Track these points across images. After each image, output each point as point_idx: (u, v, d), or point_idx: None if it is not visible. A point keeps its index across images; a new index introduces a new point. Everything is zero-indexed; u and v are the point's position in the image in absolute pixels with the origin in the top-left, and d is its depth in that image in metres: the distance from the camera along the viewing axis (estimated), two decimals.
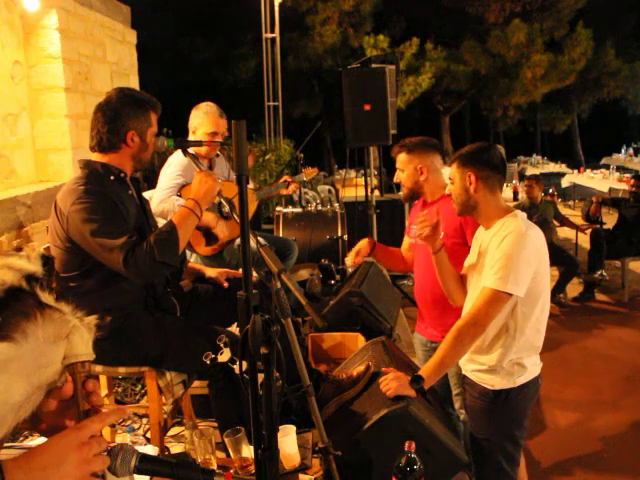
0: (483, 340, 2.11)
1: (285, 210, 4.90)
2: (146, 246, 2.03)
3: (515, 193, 10.08)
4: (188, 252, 3.32)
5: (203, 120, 3.19)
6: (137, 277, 2.07)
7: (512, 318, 2.05)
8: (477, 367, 2.16)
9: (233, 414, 2.18)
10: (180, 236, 2.12)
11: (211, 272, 2.63)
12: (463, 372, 2.26)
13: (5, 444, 1.02)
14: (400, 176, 2.77)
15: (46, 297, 1.01)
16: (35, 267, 1.03)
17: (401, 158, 2.74)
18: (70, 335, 1.00)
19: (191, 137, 3.24)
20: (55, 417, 1.00)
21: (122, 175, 2.24)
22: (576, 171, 11.84)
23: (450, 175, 2.21)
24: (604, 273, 6.44)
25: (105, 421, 0.97)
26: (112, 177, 2.20)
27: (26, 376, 0.93)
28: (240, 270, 2.38)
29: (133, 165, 2.28)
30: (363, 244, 2.96)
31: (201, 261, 3.39)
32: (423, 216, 2.22)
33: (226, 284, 2.57)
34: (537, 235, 2.06)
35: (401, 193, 2.96)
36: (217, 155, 3.44)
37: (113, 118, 2.19)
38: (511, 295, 1.98)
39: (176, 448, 2.54)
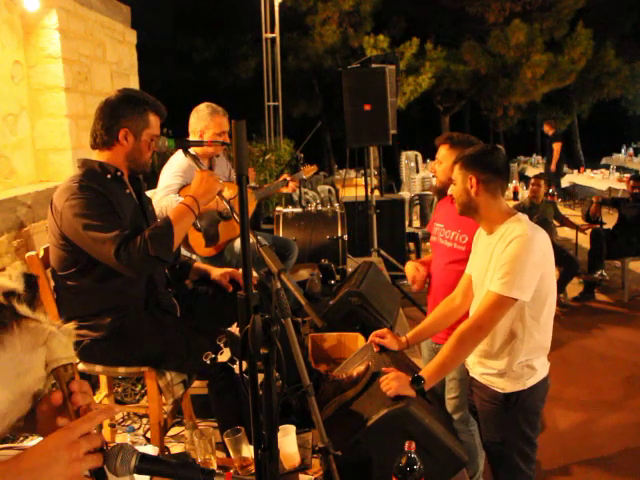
0: (491, 345, 2.10)
1: (285, 210, 4.90)
2: (140, 240, 2.04)
3: (515, 193, 10.09)
4: (188, 253, 3.32)
5: (210, 122, 3.20)
6: (129, 271, 2.07)
7: (520, 322, 2.04)
8: (486, 371, 2.15)
9: (233, 414, 2.18)
10: (175, 232, 2.12)
11: (216, 273, 2.61)
12: (471, 375, 2.25)
13: (4, 445, 1.04)
14: (436, 168, 2.73)
15: (23, 309, 1.03)
16: (16, 285, 1.06)
17: (442, 150, 2.69)
18: (48, 342, 1.01)
19: (197, 139, 3.24)
20: (50, 419, 1.02)
21: (119, 174, 2.25)
22: (576, 171, 11.85)
23: (453, 176, 2.21)
24: (604, 273, 6.44)
25: (94, 420, 0.98)
26: (109, 176, 2.22)
27: (7, 385, 0.96)
28: (241, 270, 2.38)
29: (127, 165, 2.26)
30: (416, 266, 2.84)
31: (202, 262, 3.39)
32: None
33: (230, 288, 2.56)
34: (543, 239, 2.05)
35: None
36: (217, 155, 3.45)
37: (108, 116, 2.21)
38: (516, 300, 1.97)
39: (176, 448, 2.54)
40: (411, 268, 2.86)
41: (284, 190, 3.96)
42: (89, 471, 0.95)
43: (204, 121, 3.21)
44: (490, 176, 2.11)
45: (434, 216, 2.92)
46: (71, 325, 1.07)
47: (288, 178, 3.92)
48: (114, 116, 2.21)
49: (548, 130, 11.39)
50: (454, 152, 2.62)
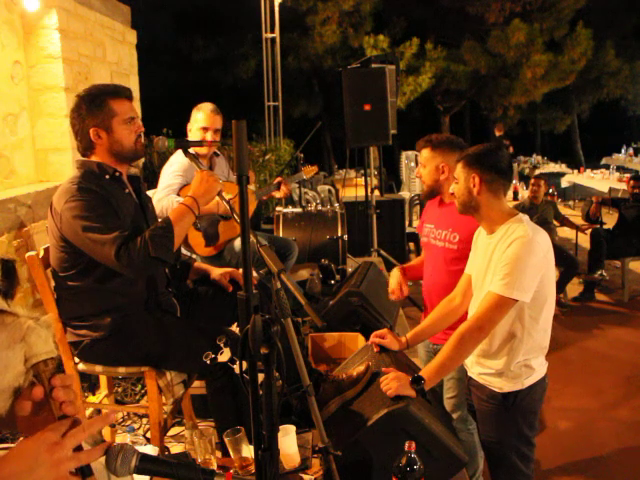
0: (490, 345, 2.10)
1: (285, 210, 4.90)
2: (141, 241, 2.04)
3: (515, 193, 10.09)
4: (188, 253, 3.32)
5: (196, 116, 3.27)
6: (129, 272, 2.07)
7: (520, 322, 2.05)
8: (484, 370, 2.15)
9: (230, 414, 2.18)
10: (176, 233, 2.12)
11: (216, 273, 2.61)
12: (469, 374, 2.26)
13: (3, 445, 1.02)
14: (421, 172, 2.72)
15: None
16: None
17: (424, 154, 2.69)
18: (26, 337, 0.98)
19: (188, 136, 3.28)
20: (31, 415, 1.00)
21: (117, 174, 2.24)
22: (576, 171, 11.85)
23: (455, 174, 2.21)
24: (604, 273, 6.44)
25: (87, 428, 0.96)
26: (107, 176, 2.21)
27: None
28: (241, 270, 2.38)
29: (116, 160, 2.23)
30: (399, 278, 2.78)
31: (202, 262, 3.39)
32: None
33: (230, 288, 2.56)
34: (544, 240, 2.05)
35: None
36: (217, 155, 3.45)
37: (75, 123, 2.21)
38: (516, 301, 1.97)
39: (176, 448, 2.54)
40: (395, 281, 2.78)
41: (276, 194, 3.91)
42: (75, 468, 0.93)
43: (193, 116, 3.29)
44: (493, 175, 2.11)
45: (423, 217, 2.91)
46: (48, 317, 1.04)
47: (281, 181, 3.89)
48: (79, 121, 2.19)
49: (497, 132, 12.25)
50: (436, 154, 2.64)
